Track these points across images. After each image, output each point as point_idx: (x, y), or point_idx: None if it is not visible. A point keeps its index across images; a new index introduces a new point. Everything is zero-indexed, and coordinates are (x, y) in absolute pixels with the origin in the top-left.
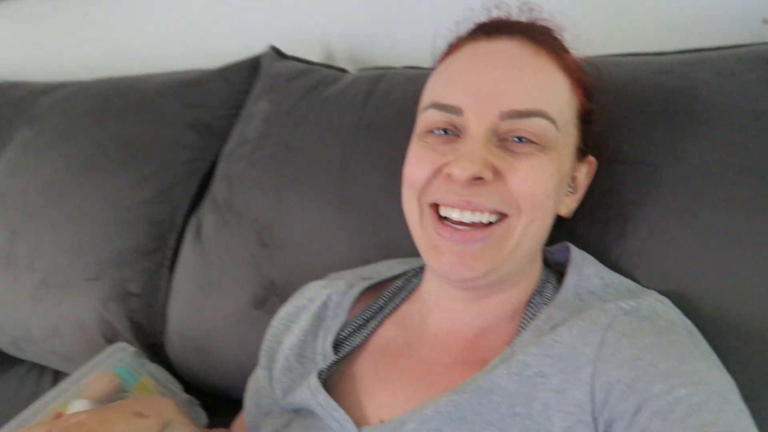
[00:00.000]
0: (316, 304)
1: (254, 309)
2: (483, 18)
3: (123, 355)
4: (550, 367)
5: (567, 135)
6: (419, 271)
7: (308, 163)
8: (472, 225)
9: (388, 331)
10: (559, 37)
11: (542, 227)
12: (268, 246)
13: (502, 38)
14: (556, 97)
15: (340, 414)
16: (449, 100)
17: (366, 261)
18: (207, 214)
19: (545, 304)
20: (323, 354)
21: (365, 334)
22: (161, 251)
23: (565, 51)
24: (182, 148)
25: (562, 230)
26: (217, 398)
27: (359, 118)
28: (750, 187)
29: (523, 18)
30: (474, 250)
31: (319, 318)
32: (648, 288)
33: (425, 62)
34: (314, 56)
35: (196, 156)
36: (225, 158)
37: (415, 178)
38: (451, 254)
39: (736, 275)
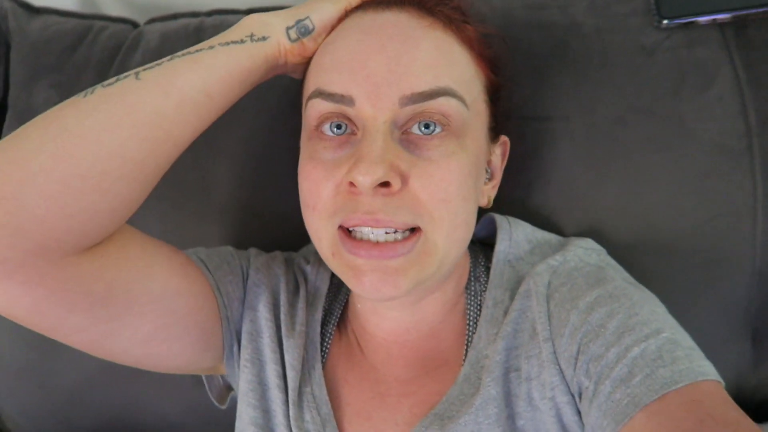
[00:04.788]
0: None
1: None
2: None
3: None
4: (518, 359)
5: (477, 115)
6: None
7: None
8: (386, 242)
9: (339, 349)
10: (456, 7)
11: (467, 230)
12: None
13: (392, 10)
14: (460, 73)
15: None
16: (337, 88)
17: None
18: None
19: (483, 285)
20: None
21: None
22: None
23: (465, 22)
24: None
25: None
26: None
27: None
28: (658, 127)
29: None
30: (396, 265)
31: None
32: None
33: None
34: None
35: None
36: None
37: (315, 203)
38: (372, 272)
39: (654, 208)
